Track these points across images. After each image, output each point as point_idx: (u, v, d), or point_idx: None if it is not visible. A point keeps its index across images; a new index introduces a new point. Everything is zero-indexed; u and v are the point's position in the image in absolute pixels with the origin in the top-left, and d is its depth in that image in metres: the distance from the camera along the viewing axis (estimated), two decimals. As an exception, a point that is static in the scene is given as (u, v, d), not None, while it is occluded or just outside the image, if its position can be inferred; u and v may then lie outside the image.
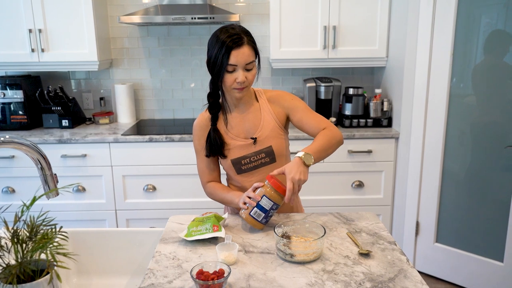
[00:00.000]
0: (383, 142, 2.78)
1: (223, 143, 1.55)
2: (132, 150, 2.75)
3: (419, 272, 2.73)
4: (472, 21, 2.35)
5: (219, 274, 1.09)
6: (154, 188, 2.81)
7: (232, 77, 1.43)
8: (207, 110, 1.58)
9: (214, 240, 1.35)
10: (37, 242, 0.99)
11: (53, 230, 1.03)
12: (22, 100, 2.95)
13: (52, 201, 2.76)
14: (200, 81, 3.25)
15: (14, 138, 1.08)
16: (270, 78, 3.24)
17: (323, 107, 2.97)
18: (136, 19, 2.74)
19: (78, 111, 3.13)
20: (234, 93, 1.48)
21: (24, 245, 0.99)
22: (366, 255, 1.26)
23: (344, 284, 1.11)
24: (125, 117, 3.18)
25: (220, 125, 1.57)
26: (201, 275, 1.08)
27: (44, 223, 1.03)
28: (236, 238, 1.39)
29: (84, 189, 2.81)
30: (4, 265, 0.99)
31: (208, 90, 1.54)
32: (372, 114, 2.91)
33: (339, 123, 2.98)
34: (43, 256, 1.01)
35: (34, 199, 0.98)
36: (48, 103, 2.96)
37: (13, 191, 2.80)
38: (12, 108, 2.96)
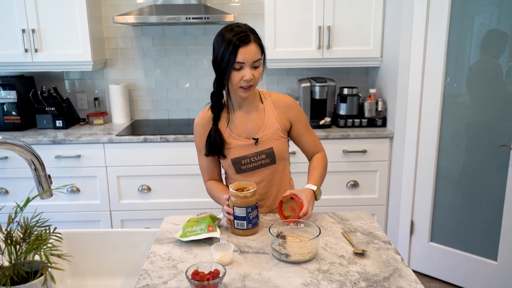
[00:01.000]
0: (378, 142, 2.79)
1: (223, 143, 1.55)
2: (127, 150, 2.74)
3: (414, 271, 2.74)
4: (466, 21, 2.36)
5: (214, 274, 1.09)
6: (149, 189, 2.80)
7: (239, 75, 1.43)
8: (209, 109, 1.58)
9: (209, 241, 1.35)
10: (31, 244, 0.98)
11: (47, 231, 1.02)
12: (16, 100, 2.93)
13: (46, 202, 2.74)
14: (194, 81, 3.24)
15: (7, 139, 1.08)
16: (265, 78, 3.24)
17: (317, 107, 2.97)
18: (130, 19, 2.73)
19: (72, 111, 3.12)
20: (240, 92, 1.47)
21: (17, 246, 0.99)
22: (361, 254, 1.26)
23: (339, 283, 1.11)
24: (119, 118, 3.17)
25: (222, 124, 1.57)
26: (196, 276, 1.08)
27: (38, 224, 1.02)
28: (231, 238, 1.39)
29: (78, 190, 2.80)
30: (-2, 267, 0.98)
31: (212, 89, 1.54)
32: (366, 114, 2.92)
33: (334, 123, 2.99)
34: (37, 257, 1.00)
35: (28, 200, 0.98)
36: (42, 103, 2.95)
37: (7, 192, 2.78)
38: (5, 109, 2.94)
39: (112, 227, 2.87)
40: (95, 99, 3.23)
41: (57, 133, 2.85)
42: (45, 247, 0.96)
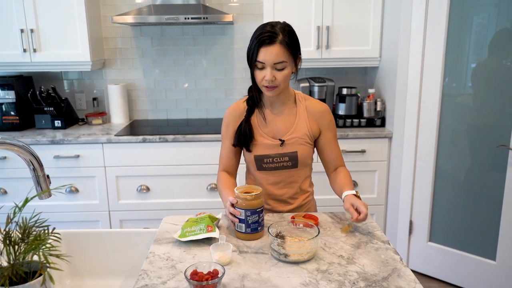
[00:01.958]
0: (377, 142, 2.79)
1: (252, 137, 1.55)
2: (126, 150, 2.74)
3: (413, 271, 2.75)
4: (464, 21, 2.36)
5: (213, 274, 1.09)
6: (147, 189, 2.80)
7: (261, 74, 1.43)
8: (245, 101, 1.58)
9: (208, 241, 1.35)
10: (29, 244, 0.98)
11: (46, 231, 1.02)
12: (14, 100, 2.92)
13: (45, 202, 2.74)
14: (193, 81, 3.24)
15: (6, 139, 1.07)
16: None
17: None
18: (129, 19, 2.73)
19: (70, 111, 3.11)
20: (264, 91, 1.47)
21: (16, 246, 0.98)
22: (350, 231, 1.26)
23: (338, 283, 1.12)
24: (118, 118, 3.17)
25: (253, 120, 1.57)
26: (195, 276, 1.08)
27: (36, 225, 1.02)
28: (230, 238, 1.38)
29: (77, 190, 2.79)
30: (-4, 267, 0.98)
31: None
32: (365, 114, 2.92)
33: (333, 123, 2.99)
34: (35, 257, 1.00)
35: (26, 200, 0.98)
36: (41, 103, 2.94)
37: (5, 192, 2.78)
38: (3, 109, 2.94)
39: (111, 227, 2.87)
40: (94, 99, 3.23)
41: (55, 133, 2.85)
42: (43, 247, 0.96)
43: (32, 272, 1.00)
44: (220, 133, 1.69)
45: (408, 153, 2.67)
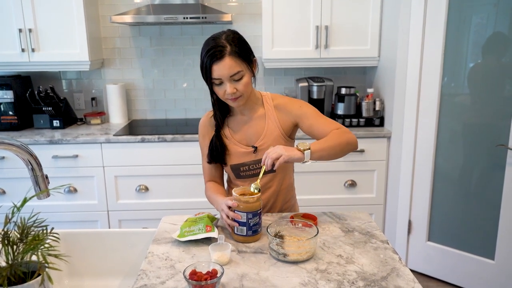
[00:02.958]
0: (376, 142, 2.79)
1: (225, 150, 1.54)
2: (124, 150, 2.74)
3: (411, 270, 2.75)
4: (463, 21, 2.37)
5: (212, 274, 1.09)
6: (146, 189, 2.80)
7: (222, 89, 1.40)
8: (213, 116, 1.56)
9: (207, 241, 1.35)
10: (28, 244, 0.98)
11: (44, 231, 1.02)
12: (12, 100, 2.92)
13: (43, 202, 2.73)
14: (192, 81, 3.24)
15: (4, 139, 1.07)
16: (263, 78, 3.24)
17: (315, 106, 2.94)
18: (128, 18, 2.73)
19: (69, 111, 3.11)
20: (230, 103, 1.46)
21: (14, 246, 0.98)
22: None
23: (337, 283, 1.12)
24: (117, 118, 3.16)
25: (225, 130, 1.56)
26: (194, 276, 1.08)
27: (35, 225, 1.02)
28: (229, 238, 1.38)
29: (75, 190, 2.79)
30: (-5, 267, 0.98)
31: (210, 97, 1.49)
32: (364, 114, 2.92)
33: (332, 122, 2.99)
34: (34, 257, 1.00)
35: (25, 200, 0.97)
36: (39, 103, 2.94)
37: (4, 192, 2.78)
38: (2, 109, 2.93)
39: (109, 227, 2.87)
40: (93, 99, 3.22)
41: (54, 133, 2.85)
42: (42, 247, 0.96)
43: (30, 272, 1.00)
44: None
45: (407, 152, 2.67)
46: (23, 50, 2.81)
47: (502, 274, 2.41)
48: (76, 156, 2.73)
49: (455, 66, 2.43)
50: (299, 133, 1.74)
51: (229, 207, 1.36)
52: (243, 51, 1.40)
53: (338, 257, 1.25)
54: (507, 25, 2.21)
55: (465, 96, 2.45)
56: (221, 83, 1.39)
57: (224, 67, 1.36)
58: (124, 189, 2.80)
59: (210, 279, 1.06)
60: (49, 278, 0.98)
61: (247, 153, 1.54)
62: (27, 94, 2.95)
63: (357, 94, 3.00)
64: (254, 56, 1.47)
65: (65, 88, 3.25)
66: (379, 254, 1.27)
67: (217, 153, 1.54)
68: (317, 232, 1.25)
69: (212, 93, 1.47)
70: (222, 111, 1.54)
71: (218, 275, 1.08)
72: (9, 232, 0.99)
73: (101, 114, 3.15)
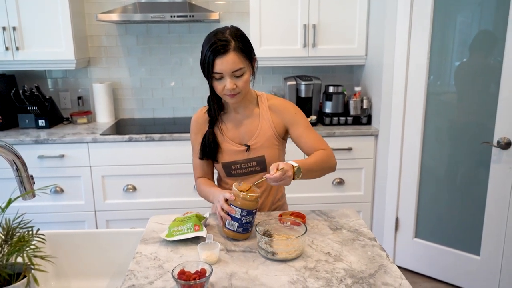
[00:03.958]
0: (363, 140, 2.81)
1: (218, 147, 1.54)
2: (111, 150, 2.71)
3: (399, 267, 2.77)
4: (448, 20, 2.39)
5: (201, 273, 1.09)
6: (134, 188, 2.78)
7: (221, 84, 1.40)
8: (206, 112, 1.56)
9: (195, 240, 1.34)
10: (13, 245, 0.97)
11: (30, 232, 1.01)
12: (-4, 99, 2.88)
13: (29, 203, 2.70)
14: (180, 79, 3.22)
15: (-12, 139, 1.06)
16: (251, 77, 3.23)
17: (303, 105, 2.98)
18: (114, 17, 2.70)
19: (55, 110, 3.07)
20: (227, 99, 1.46)
21: (0, 248, 0.97)
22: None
23: (326, 280, 1.12)
24: (103, 117, 3.13)
25: (218, 127, 1.55)
26: (183, 275, 1.07)
27: (20, 226, 1.01)
28: (217, 237, 1.38)
29: (62, 190, 2.76)
30: (-21, 270, 0.96)
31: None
32: (352, 112, 2.94)
33: (320, 121, 3.00)
34: (19, 259, 0.98)
35: (10, 201, 0.96)
36: (24, 102, 2.90)
37: (-12, 193, 2.73)
38: (-14, 108, 2.89)
39: (97, 228, 2.84)
40: (79, 98, 3.19)
41: (39, 133, 2.81)
42: (28, 248, 0.95)
43: (16, 274, 0.98)
44: None
45: (394, 150, 2.69)
46: (7, 48, 2.76)
47: (487, 270, 2.44)
48: (62, 156, 2.69)
49: (441, 65, 2.46)
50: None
51: (226, 200, 1.35)
52: (246, 48, 1.41)
53: (326, 255, 1.26)
54: (491, 24, 2.24)
55: (451, 94, 2.48)
56: (221, 78, 1.40)
57: (227, 62, 1.36)
58: (112, 189, 2.78)
59: (199, 279, 1.06)
60: (35, 280, 0.97)
61: (239, 151, 1.54)
62: (12, 94, 2.90)
63: (345, 92, 3.02)
64: (255, 54, 1.48)
65: (50, 87, 3.21)
66: (367, 251, 1.28)
67: (209, 149, 1.54)
68: (306, 230, 1.26)
69: (211, 88, 1.47)
70: (217, 107, 1.54)
71: (207, 274, 1.08)
72: (-7, 234, 0.97)
73: (88, 114, 3.12)
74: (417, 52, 2.50)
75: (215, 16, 2.69)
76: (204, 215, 1.46)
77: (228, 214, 1.34)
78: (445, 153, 2.54)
